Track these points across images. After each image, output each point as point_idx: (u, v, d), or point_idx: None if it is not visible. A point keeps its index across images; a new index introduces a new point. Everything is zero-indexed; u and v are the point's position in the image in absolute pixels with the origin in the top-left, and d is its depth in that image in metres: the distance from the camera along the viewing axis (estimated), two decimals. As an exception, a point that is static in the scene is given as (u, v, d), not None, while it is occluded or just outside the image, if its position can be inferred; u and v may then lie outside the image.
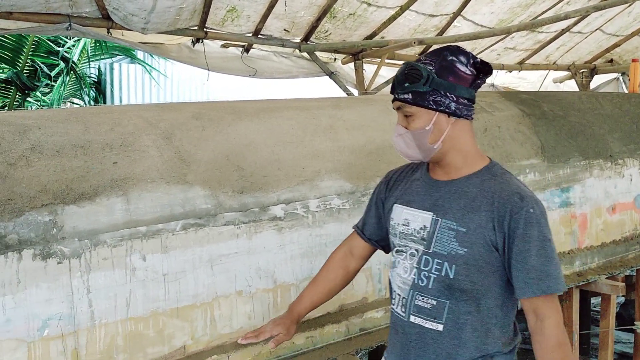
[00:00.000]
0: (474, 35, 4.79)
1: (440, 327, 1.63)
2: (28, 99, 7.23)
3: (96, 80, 8.65)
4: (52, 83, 7.40)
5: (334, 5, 4.90)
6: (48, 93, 7.43)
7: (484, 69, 1.63)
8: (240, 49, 5.31)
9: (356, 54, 5.41)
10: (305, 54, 5.35)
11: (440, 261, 1.62)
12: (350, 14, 5.00)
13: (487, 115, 3.00)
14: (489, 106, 3.07)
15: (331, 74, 5.45)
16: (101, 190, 1.96)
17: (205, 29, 5.02)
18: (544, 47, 6.33)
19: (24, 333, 1.78)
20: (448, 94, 1.59)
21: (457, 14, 5.28)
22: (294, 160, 2.37)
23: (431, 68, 1.59)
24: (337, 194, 2.40)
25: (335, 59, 5.59)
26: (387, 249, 1.92)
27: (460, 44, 5.80)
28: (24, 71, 7.12)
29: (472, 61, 1.61)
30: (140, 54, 8.60)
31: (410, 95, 1.60)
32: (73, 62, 7.42)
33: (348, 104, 2.82)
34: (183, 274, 2.04)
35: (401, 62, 5.73)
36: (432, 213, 1.66)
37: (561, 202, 3.10)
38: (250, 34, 5.14)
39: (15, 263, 1.77)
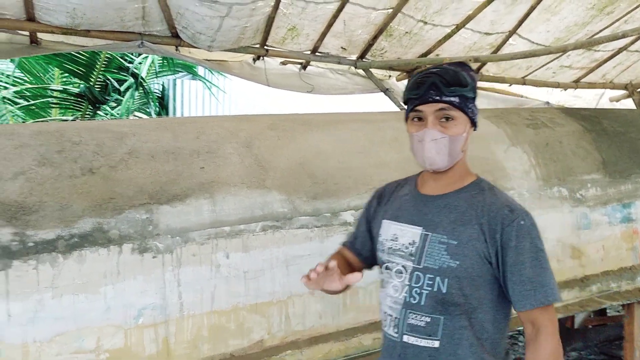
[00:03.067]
0: (529, 53, 4.83)
1: (436, 344, 1.59)
2: (98, 112, 7.69)
3: (160, 95, 9.11)
4: (120, 97, 7.84)
5: (391, 24, 5.03)
6: (116, 107, 7.87)
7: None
8: (299, 66, 5.50)
9: (411, 71, 5.53)
10: (360, 71, 5.50)
11: (432, 276, 1.59)
12: (407, 33, 5.13)
13: (548, 130, 3.07)
14: (550, 121, 3.13)
15: (386, 91, 5.58)
16: (190, 193, 2.13)
17: (266, 47, 5.22)
18: (601, 66, 6.29)
19: (121, 320, 1.95)
20: (475, 104, 1.66)
21: (513, 32, 5.33)
22: (362, 169, 2.50)
23: (469, 78, 1.62)
24: (404, 202, 2.51)
25: (390, 76, 5.72)
26: (372, 266, 1.87)
27: (515, 61, 5.83)
28: (96, 86, 7.59)
29: (476, 77, 1.69)
30: (200, 71, 8.99)
31: (457, 99, 1.59)
32: (141, 77, 7.86)
33: (412, 118, 2.94)
34: (261, 272, 2.19)
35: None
36: (421, 228, 1.64)
37: (622, 217, 3.12)
38: (309, 52, 5.32)
39: (116, 256, 1.95)
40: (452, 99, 1.59)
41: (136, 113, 7.92)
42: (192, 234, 2.07)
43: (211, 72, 9.10)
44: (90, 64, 7.44)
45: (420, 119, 1.63)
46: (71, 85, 8.00)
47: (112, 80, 7.78)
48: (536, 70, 6.05)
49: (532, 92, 6.43)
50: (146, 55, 7.68)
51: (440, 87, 1.58)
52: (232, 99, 9.21)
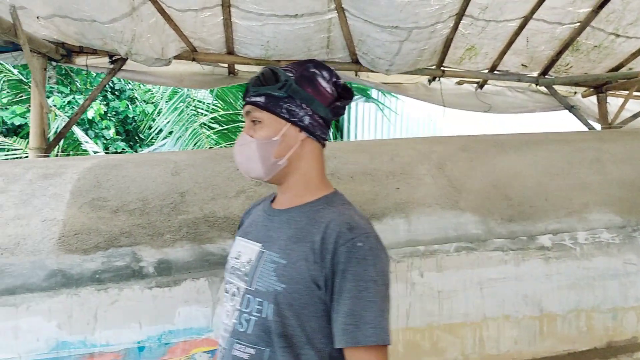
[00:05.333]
0: None
1: None
2: None
3: (335, 118, 9.58)
4: None
5: (578, 38, 4.78)
6: None
7: (344, 93, 1.45)
8: (475, 85, 5.45)
9: (599, 87, 5.17)
10: (542, 88, 5.28)
11: (261, 300, 1.34)
12: (595, 46, 4.82)
13: None
14: None
15: (571, 108, 5.28)
16: (387, 212, 2.23)
17: (442, 68, 5.25)
18: None
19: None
20: (304, 105, 1.39)
21: None
22: (560, 191, 2.41)
23: (291, 75, 1.40)
24: (607, 227, 2.37)
25: (575, 92, 5.41)
26: None
27: None
28: None
29: (334, 80, 1.44)
30: (374, 93, 9.31)
31: (262, 99, 1.38)
32: (321, 102, 8.37)
33: (613, 138, 2.77)
34: (455, 292, 2.20)
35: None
36: (260, 244, 1.41)
37: None
38: (486, 70, 5.24)
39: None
40: (257, 99, 1.40)
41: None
42: (389, 251, 2.15)
43: (384, 94, 9.32)
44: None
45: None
46: None
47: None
48: None
49: None
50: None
51: (248, 87, 1.43)
52: (404, 120, 9.36)
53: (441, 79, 5.35)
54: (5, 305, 1.89)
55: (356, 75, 5.13)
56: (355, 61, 4.94)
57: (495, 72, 5.20)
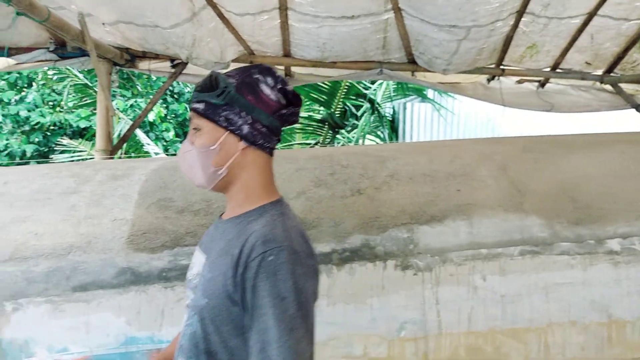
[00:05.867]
0: None
1: None
2: (337, 136, 8.42)
3: (391, 118, 9.57)
4: (356, 122, 8.45)
5: (646, 34, 4.57)
6: (351, 131, 8.51)
7: (291, 99, 1.38)
8: (536, 84, 5.29)
9: (669, 84, 4.93)
10: (607, 87, 5.07)
11: (193, 313, 1.32)
12: (666, 42, 4.60)
13: None
14: None
15: (638, 107, 5.06)
16: (448, 214, 2.20)
17: (502, 67, 5.13)
18: None
19: (385, 331, 2.09)
20: (243, 113, 1.33)
21: None
22: (630, 194, 2.31)
23: (233, 81, 1.34)
24: (681, 231, 2.26)
25: (642, 90, 5.17)
26: None
27: None
28: (336, 112, 8.35)
29: (279, 86, 1.36)
30: (430, 93, 9.22)
31: (202, 105, 1.34)
32: (377, 103, 8.39)
33: (685, 137, 2.64)
34: (519, 297, 2.15)
35: None
36: (205, 256, 1.38)
37: None
38: (548, 69, 5.09)
39: (381, 271, 2.10)
40: (197, 105, 1.35)
41: (368, 136, 8.44)
42: (450, 254, 2.14)
43: (440, 94, 9.20)
44: (332, 92, 8.18)
45: None
46: (314, 112, 8.91)
47: (350, 106, 8.43)
48: None
49: None
50: (381, 81, 8.14)
51: (194, 93, 1.38)
52: (461, 120, 9.21)
53: (501, 77, 5.23)
54: (78, 301, 1.98)
55: (412, 75, 5.09)
56: (412, 61, 4.90)
57: (558, 70, 5.04)
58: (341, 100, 8.33)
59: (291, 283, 1.19)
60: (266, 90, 1.35)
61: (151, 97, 11.60)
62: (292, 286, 1.19)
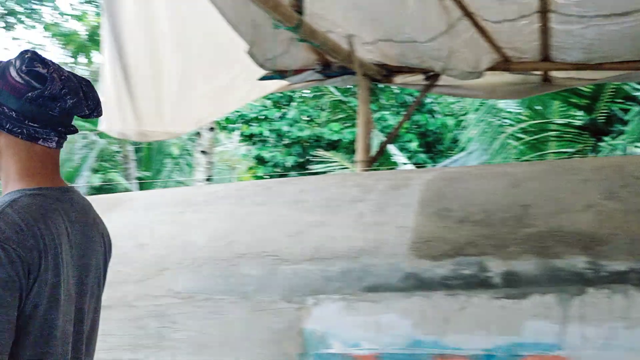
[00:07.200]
0: None
1: None
2: (600, 143, 7.66)
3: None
4: (623, 127, 7.59)
5: None
6: (616, 137, 7.67)
7: (35, 80, 1.29)
8: None
9: None
10: None
11: None
12: None
13: None
14: None
15: None
16: None
17: None
18: None
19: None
20: None
21: None
22: None
23: None
24: None
25: None
26: None
27: None
28: (599, 117, 7.64)
29: (27, 68, 1.29)
30: None
31: None
32: (650, 104, 7.46)
33: None
34: None
35: None
36: None
37: None
38: None
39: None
40: None
41: (638, 143, 7.49)
42: None
43: None
44: (594, 96, 7.48)
45: None
46: (573, 118, 8.26)
47: (617, 110, 7.59)
48: None
49: None
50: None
51: None
52: None
53: None
54: (368, 301, 2.16)
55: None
56: (700, 57, 4.28)
57: None
58: (606, 104, 7.54)
59: None
60: (13, 73, 1.33)
61: (394, 109, 12.09)
62: None
